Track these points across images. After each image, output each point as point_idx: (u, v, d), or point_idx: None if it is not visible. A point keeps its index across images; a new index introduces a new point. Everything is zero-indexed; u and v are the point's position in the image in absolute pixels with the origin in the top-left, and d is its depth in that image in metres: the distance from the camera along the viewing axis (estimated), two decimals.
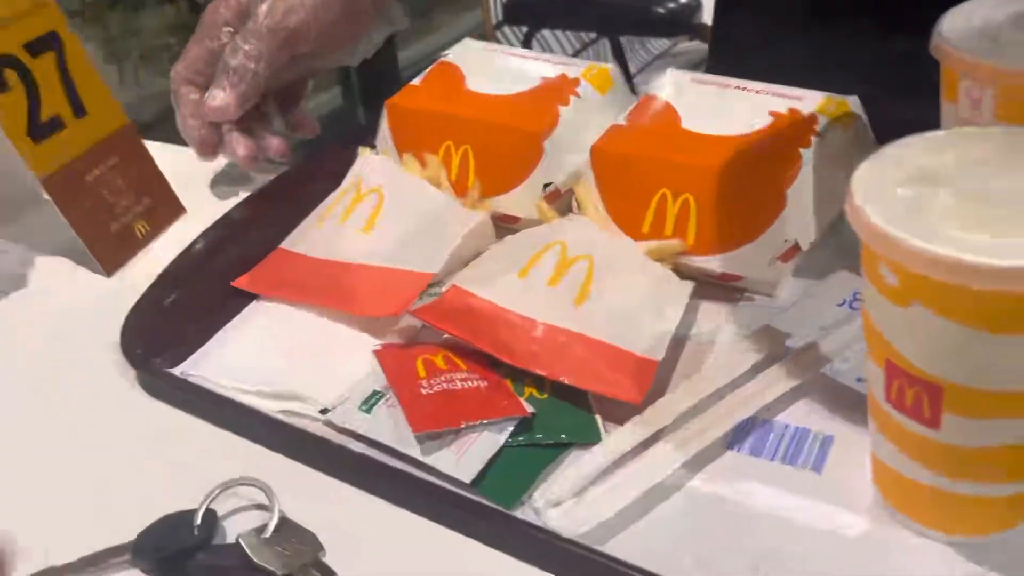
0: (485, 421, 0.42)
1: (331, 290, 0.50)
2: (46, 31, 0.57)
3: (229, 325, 0.51)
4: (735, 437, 0.41)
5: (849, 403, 0.42)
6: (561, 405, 0.44)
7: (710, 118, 0.52)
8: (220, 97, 0.58)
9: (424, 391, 0.43)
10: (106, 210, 0.57)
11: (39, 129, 0.55)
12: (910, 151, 0.33)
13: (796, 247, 0.48)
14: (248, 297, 0.53)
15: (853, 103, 0.52)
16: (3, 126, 0.53)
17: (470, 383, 0.44)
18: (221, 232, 0.56)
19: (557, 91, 0.57)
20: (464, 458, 0.41)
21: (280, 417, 0.44)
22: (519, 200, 0.55)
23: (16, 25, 0.55)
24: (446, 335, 0.47)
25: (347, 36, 0.64)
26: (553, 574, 0.36)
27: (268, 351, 0.48)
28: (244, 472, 0.40)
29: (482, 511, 0.39)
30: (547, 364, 0.44)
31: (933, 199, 0.31)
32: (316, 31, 0.60)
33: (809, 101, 0.52)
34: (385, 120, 0.59)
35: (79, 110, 0.58)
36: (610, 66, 0.60)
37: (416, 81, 0.60)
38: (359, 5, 0.63)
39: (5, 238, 0.60)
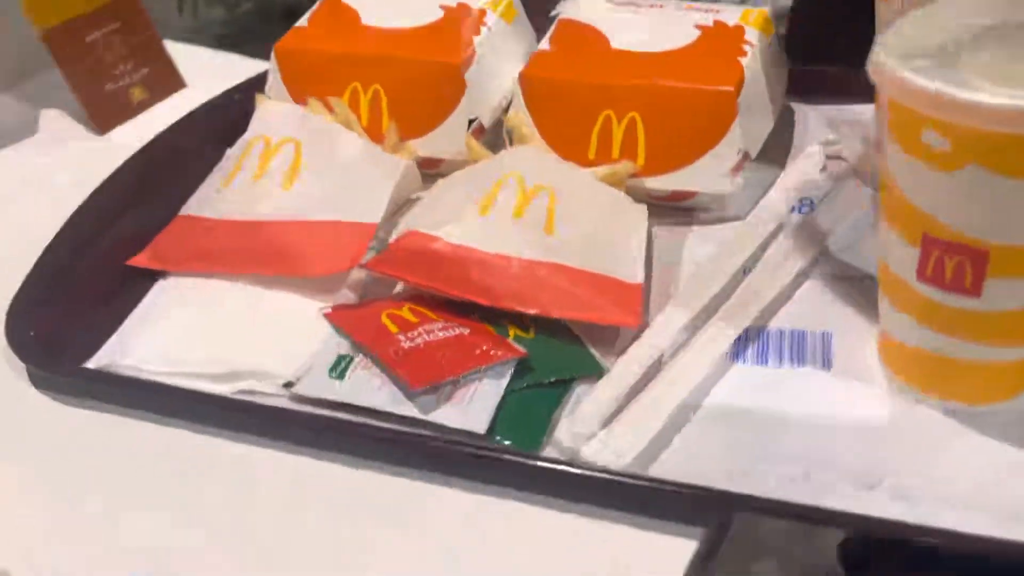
0: (483, 367, 0.38)
1: (259, 255, 0.44)
2: None
3: (137, 311, 0.44)
4: (736, 350, 0.40)
5: (837, 298, 0.42)
6: (551, 342, 0.40)
7: (638, 37, 0.50)
8: None
9: (405, 345, 0.39)
10: (103, 71, 0.58)
11: None
12: (915, 26, 0.33)
13: (746, 157, 0.48)
14: (150, 276, 0.45)
15: (769, 12, 0.52)
16: None
17: (451, 331, 0.40)
18: (105, 202, 0.48)
19: (464, 22, 0.53)
20: (470, 409, 0.37)
21: (244, 397, 0.38)
22: (442, 140, 0.51)
23: None
24: (404, 285, 0.43)
25: None
26: (607, 507, 0.33)
27: (200, 330, 0.42)
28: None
29: (508, 460, 0.35)
30: (532, 300, 0.40)
31: (957, 64, 0.30)
32: None
33: (730, 13, 0.51)
34: (275, 66, 0.53)
35: None
36: None
37: (302, 22, 0.54)
38: None
39: None
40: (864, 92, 0.34)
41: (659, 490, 0.33)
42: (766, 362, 0.40)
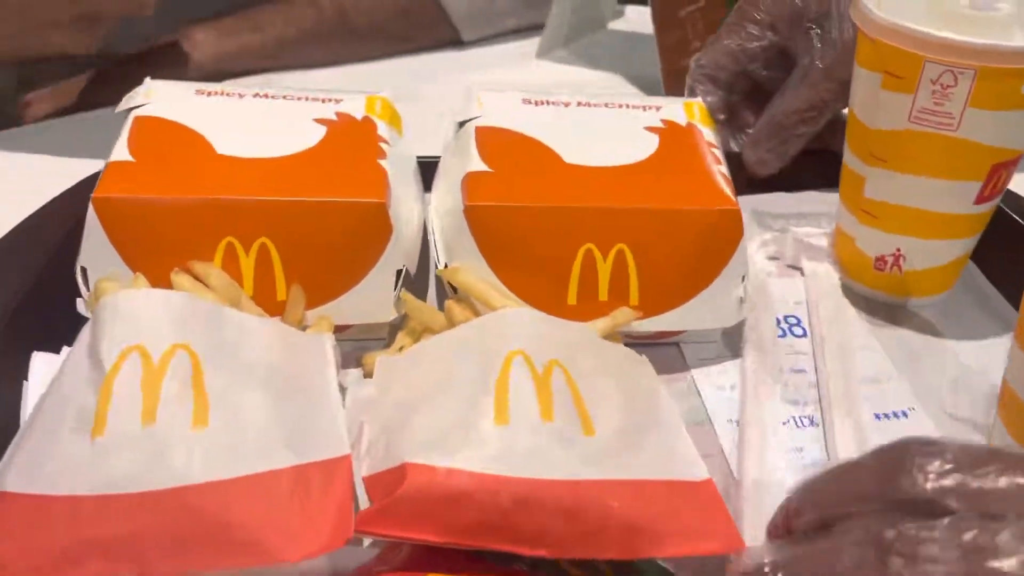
0: None
1: (187, 541, 0.28)
2: None
3: None
4: None
5: None
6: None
7: (586, 145, 0.41)
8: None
9: None
10: (685, 46, 0.61)
11: None
12: None
13: (745, 277, 0.40)
14: None
15: (706, 106, 0.45)
16: None
17: None
18: None
19: (357, 139, 0.41)
20: None
21: None
22: (363, 301, 0.38)
23: None
24: (412, 543, 0.30)
25: None
26: None
27: None
28: None
29: None
30: (607, 542, 0.29)
31: None
32: None
33: (673, 109, 0.44)
34: (95, 223, 0.36)
35: None
36: (388, 94, 0.45)
37: (120, 153, 0.38)
38: None
39: None
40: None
41: None
42: None
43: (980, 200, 0.39)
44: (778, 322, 0.43)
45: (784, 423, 0.37)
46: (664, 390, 0.36)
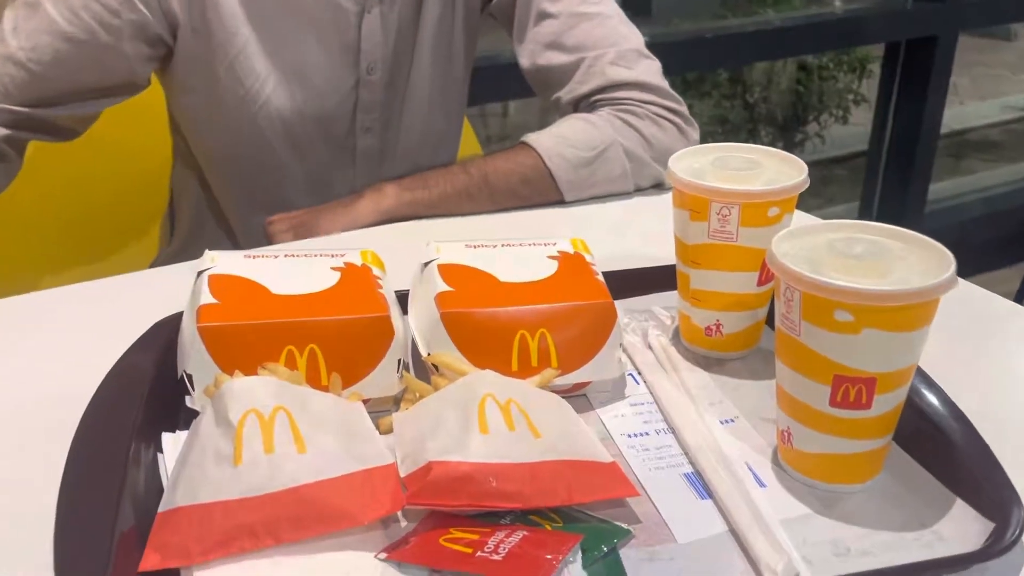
0: (562, 557, 0.46)
1: (299, 520, 0.46)
2: None
3: None
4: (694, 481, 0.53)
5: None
6: (578, 526, 0.49)
7: (513, 270, 0.62)
8: None
9: (495, 558, 0.45)
10: None
11: None
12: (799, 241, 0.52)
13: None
14: None
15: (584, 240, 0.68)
16: None
17: (516, 537, 0.46)
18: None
19: (361, 279, 0.61)
20: None
21: None
22: (378, 382, 0.58)
23: None
24: (422, 511, 0.48)
25: None
26: None
27: None
28: None
29: None
30: (555, 495, 0.49)
31: (823, 266, 0.49)
32: None
33: (563, 244, 0.67)
34: (199, 344, 0.55)
35: None
36: (374, 248, 0.66)
37: (207, 298, 0.57)
38: None
39: None
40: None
41: None
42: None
43: (760, 283, 0.63)
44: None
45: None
46: (579, 417, 0.56)
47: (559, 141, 0.94)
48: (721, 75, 2.82)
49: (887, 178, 2.56)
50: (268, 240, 0.93)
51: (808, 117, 3.04)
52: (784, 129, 3.01)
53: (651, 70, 0.99)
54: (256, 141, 0.97)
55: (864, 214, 2.56)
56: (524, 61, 1.02)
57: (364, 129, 1.01)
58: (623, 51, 0.98)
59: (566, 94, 0.99)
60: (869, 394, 0.49)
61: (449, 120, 1.10)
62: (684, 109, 0.99)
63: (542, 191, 0.94)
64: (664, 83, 0.99)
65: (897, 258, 0.50)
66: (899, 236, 0.52)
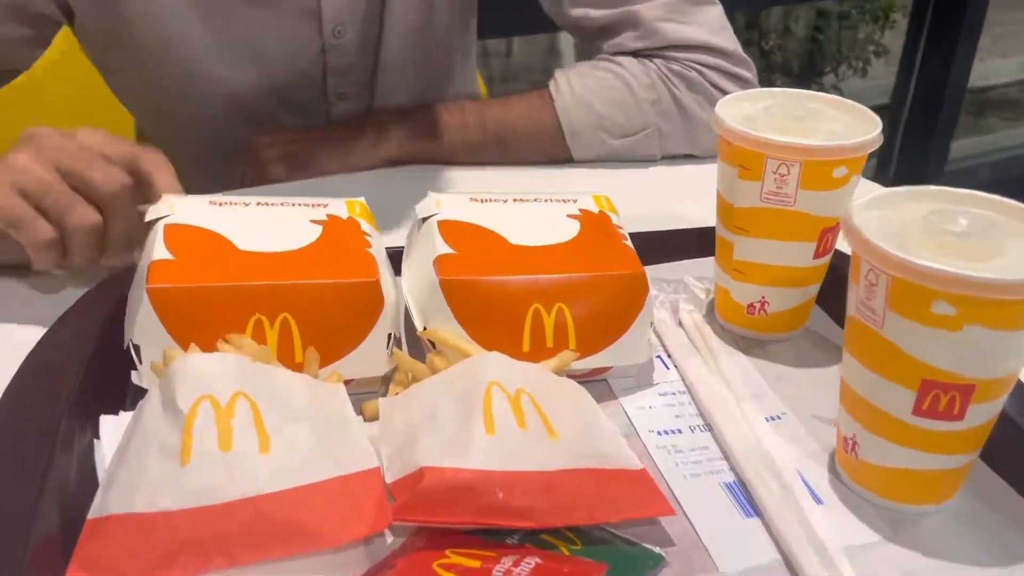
0: None
1: (261, 537, 0.37)
2: None
3: None
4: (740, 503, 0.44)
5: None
6: (598, 548, 0.41)
7: (526, 230, 0.53)
8: None
9: None
10: None
11: None
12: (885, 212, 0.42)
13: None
14: None
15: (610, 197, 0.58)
16: None
17: (527, 565, 0.38)
18: None
19: (347, 235, 0.52)
20: None
21: None
22: (364, 359, 0.49)
23: None
24: (415, 527, 0.40)
25: None
26: None
27: None
28: None
29: None
30: (574, 512, 0.40)
31: (914, 243, 0.39)
32: None
33: (586, 200, 0.57)
34: (148, 309, 0.45)
35: None
36: (363, 199, 0.56)
37: (160, 252, 0.48)
38: None
39: None
40: None
41: None
42: None
43: (817, 255, 0.54)
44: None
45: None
46: (600, 409, 0.47)
47: (589, 115, 0.81)
48: (738, 20, 2.69)
49: (907, 135, 2.44)
50: (254, 170, 0.81)
51: (825, 68, 2.92)
52: (800, 79, 2.89)
53: (714, 23, 0.82)
54: (210, 123, 0.84)
55: (880, 172, 2.45)
56: (550, 6, 0.86)
57: (338, 95, 0.87)
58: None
59: (611, 48, 0.84)
60: (963, 403, 0.40)
61: (442, 72, 0.94)
62: (753, 75, 0.84)
63: (559, 158, 0.84)
64: (733, 41, 0.83)
65: (1009, 237, 0.41)
66: (1009, 211, 0.42)
